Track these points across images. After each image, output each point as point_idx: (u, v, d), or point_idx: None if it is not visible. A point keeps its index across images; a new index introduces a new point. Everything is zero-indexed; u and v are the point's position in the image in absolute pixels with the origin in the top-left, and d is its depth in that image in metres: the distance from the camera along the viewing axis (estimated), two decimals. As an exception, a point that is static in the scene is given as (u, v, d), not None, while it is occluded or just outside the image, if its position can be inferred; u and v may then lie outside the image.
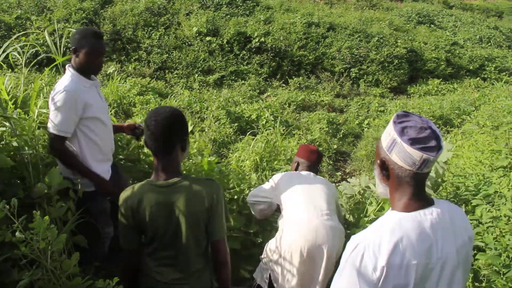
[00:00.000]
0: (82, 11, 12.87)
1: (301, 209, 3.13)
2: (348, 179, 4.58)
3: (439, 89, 13.72)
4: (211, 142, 7.71)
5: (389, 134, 1.62)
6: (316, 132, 8.99)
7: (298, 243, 2.97)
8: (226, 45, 13.29)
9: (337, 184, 6.58)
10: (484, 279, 3.02)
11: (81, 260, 2.29)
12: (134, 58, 12.29)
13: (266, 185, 3.49)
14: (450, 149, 3.46)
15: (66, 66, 2.91)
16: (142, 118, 6.36)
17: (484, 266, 3.02)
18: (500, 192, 3.53)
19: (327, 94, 12.19)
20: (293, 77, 12.92)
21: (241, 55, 13.21)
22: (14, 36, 2.96)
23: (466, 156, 5.86)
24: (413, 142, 1.54)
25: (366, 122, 10.49)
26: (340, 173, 7.95)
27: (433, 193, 3.58)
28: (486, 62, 15.70)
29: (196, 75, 12.17)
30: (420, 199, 1.63)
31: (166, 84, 11.54)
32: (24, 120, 2.72)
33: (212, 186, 2.19)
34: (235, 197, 4.00)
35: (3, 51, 2.92)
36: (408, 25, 18.26)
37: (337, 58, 13.86)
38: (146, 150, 3.73)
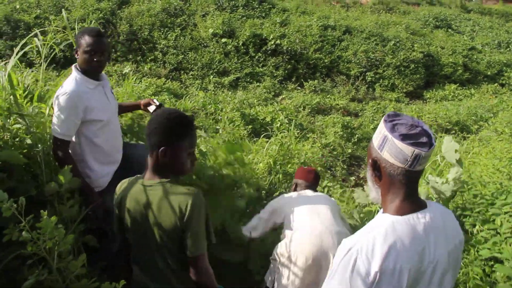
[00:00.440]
0: (99, 11, 12.96)
1: (306, 218, 3.17)
2: (364, 185, 4.52)
3: (456, 95, 13.56)
4: (225, 144, 7.68)
5: (380, 132, 1.59)
6: (330, 136, 8.91)
7: (305, 247, 2.99)
8: (242, 47, 13.28)
9: (351, 189, 6.52)
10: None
11: (88, 260, 2.27)
12: (150, 58, 12.35)
13: (262, 214, 3.50)
14: (457, 148, 3.36)
15: (72, 66, 2.90)
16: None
17: (502, 279, 2.94)
18: (519, 202, 3.44)
19: (342, 97, 12.12)
20: (309, 80, 12.87)
21: (256, 57, 13.19)
22: (31, 34, 2.94)
23: (483, 163, 5.77)
24: (404, 137, 1.51)
25: (381, 126, 10.36)
26: (354, 178, 7.87)
27: (441, 201, 3.50)
28: (504, 68, 15.49)
29: (211, 76, 12.19)
30: (413, 202, 1.59)
31: (181, 85, 11.56)
32: (38, 117, 2.71)
33: (191, 197, 2.02)
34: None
35: (21, 49, 2.90)
36: (425, 29, 18.13)
37: (353, 61, 13.79)
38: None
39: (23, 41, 2.99)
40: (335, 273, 1.56)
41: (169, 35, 13.12)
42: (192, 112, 9.02)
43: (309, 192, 3.52)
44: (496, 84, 14.68)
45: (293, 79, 12.90)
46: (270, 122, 9.13)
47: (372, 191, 1.70)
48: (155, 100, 3.45)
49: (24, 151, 2.57)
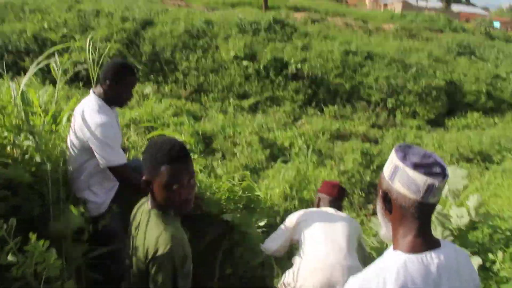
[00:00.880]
0: (123, 31, 13.18)
1: (320, 245, 3.06)
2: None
3: (479, 123, 13.35)
4: (242, 168, 7.65)
5: (391, 162, 1.50)
6: (349, 162, 8.81)
7: (313, 278, 2.90)
8: (263, 70, 13.33)
9: (368, 218, 6.41)
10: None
11: (97, 280, 2.21)
12: (171, 79, 12.46)
13: (280, 231, 3.37)
14: (464, 175, 3.24)
15: (91, 91, 2.91)
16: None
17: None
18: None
19: (362, 124, 12.03)
20: (329, 105, 12.83)
21: (277, 81, 13.21)
22: (51, 50, 2.94)
23: (505, 195, 5.63)
24: (416, 166, 1.42)
25: (401, 154, 10.24)
26: (372, 206, 7.76)
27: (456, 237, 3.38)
28: (530, 97, 15.23)
29: (232, 99, 12.23)
30: (426, 239, 1.49)
31: (201, 107, 11.60)
32: (49, 135, 2.70)
33: (168, 241, 1.77)
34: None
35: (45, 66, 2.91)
36: (448, 56, 17.99)
37: (374, 87, 13.72)
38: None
39: (40, 58, 2.98)
40: None
41: (191, 56, 13.26)
42: (207, 135, 8.99)
43: (331, 211, 3.36)
44: (521, 113, 14.43)
45: (313, 104, 12.88)
46: (288, 147, 9.08)
47: (382, 227, 1.61)
48: None
49: (33, 169, 2.54)
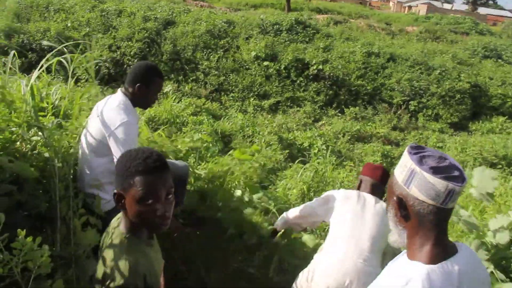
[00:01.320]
0: (145, 31, 13.25)
1: (341, 245, 2.93)
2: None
3: (504, 128, 13.02)
4: (260, 168, 7.58)
5: (405, 166, 1.41)
6: (369, 164, 8.69)
7: (327, 282, 2.80)
8: (284, 71, 13.26)
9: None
10: None
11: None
12: (191, 78, 12.47)
13: (317, 203, 3.20)
14: (494, 176, 3.04)
15: (121, 93, 2.89)
16: (190, 139, 6.30)
17: None
18: None
19: (383, 126, 11.86)
20: (350, 106, 12.70)
21: (298, 81, 13.13)
22: (63, 45, 2.91)
23: (532, 202, 5.46)
24: (435, 171, 1.33)
25: (423, 157, 10.06)
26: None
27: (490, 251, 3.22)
28: (557, 101, 14.82)
29: (252, 99, 12.19)
30: (445, 246, 1.41)
31: (221, 106, 11.59)
32: (57, 131, 2.66)
33: (125, 272, 1.59)
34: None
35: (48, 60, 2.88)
36: (473, 59, 17.64)
37: (396, 89, 13.52)
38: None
39: (49, 55, 2.95)
40: None
41: (211, 56, 13.25)
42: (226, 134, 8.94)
43: (370, 199, 3.10)
44: (548, 118, 14.04)
45: (334, 105, 12.75)
46: (308, 148, 8.99)
47: (393, 234, 1.51)
48: None
49: (41, 164, 2.50)
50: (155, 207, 1.57)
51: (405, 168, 1.41)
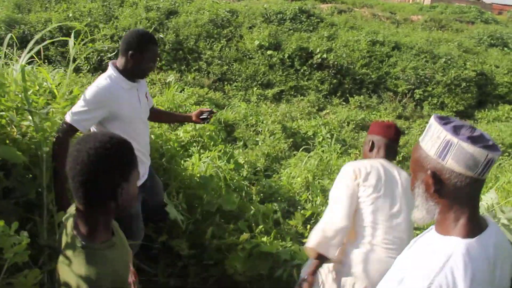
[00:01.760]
0: (147, 21, 13.14)
1: (379, 236, 2.54)
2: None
3: (510, 116, 12.89)
4: (264, 156, 7.49)
5: (437, 137, 1.32)
6: (374, 153, 8.59)
7: (360, 279, 2.54)
8: (287, 60, 13.13)
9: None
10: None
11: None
12: (194, 68, 12.36)
13: (342, 197, 2.62)
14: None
15: (110, 63, 2.77)
16: (192, 128, 6.22)
17: None
18: None
19: (388, 114, 11.76)
20: (354, 95, 12.58)
21: (301, 70, 13.00)
22: (58, 38, 2.83)
23: (539, 189, 5.35)
24: (473, 140, 1.26)
25: (428, 146, 9.96)
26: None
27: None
28: None
29: (255, 88, 12.08)
30: (478, 219, 1.36)
31: (224, 96, 11.48)
32: (49, 116, 2.56)
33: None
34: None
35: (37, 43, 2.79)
36: (479, 47, 17.46)
37: (401, 78, 13.38)
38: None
39: (36, 37, 2.86)
40: None
41: (214, 45, 13.13)
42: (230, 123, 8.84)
43: (393, 169, 2.68)
44: (555, 106, 13.89)
45: (338, 94, 12.63)
46: (312, 137, 8.89)
47: (421, 211, 1.41)
48: (206, 109, 3.43)
49: (32, 149, 2.39)
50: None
51: (437, 140, 1.33)
